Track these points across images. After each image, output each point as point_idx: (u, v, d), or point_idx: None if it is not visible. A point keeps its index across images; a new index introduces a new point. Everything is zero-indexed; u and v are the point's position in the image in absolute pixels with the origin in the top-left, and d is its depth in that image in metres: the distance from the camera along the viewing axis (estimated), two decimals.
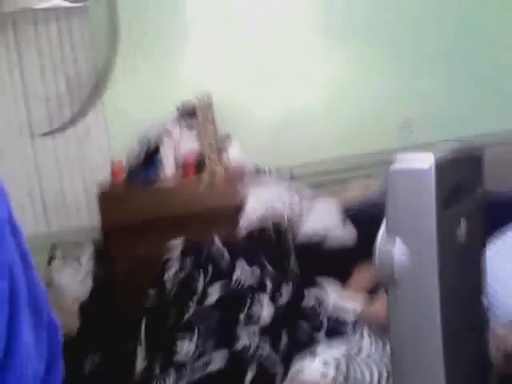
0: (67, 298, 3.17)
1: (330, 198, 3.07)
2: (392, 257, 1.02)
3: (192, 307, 2.17)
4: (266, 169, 3.31)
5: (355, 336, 1.89)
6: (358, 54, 3.56)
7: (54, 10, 3.42)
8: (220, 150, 3.34)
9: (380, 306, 1.53)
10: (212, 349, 2.02)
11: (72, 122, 3.52)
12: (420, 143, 3.16)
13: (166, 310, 2.29)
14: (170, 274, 2.40)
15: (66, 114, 3.52)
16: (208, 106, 3.32)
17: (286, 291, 2.32)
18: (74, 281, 3.25)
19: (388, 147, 3.23)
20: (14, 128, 3.54)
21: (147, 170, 3.31)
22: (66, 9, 3.42)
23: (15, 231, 0.58)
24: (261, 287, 2.28)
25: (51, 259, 3.41)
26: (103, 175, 3.44)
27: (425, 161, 0.89)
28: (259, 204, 2.83)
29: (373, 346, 1.64)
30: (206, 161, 3.28)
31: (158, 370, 2.09)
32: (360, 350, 1.64)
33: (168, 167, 3.26)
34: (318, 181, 3.40)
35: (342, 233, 2.74)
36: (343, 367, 1.54)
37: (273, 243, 2.70)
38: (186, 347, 2.04)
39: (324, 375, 1.53)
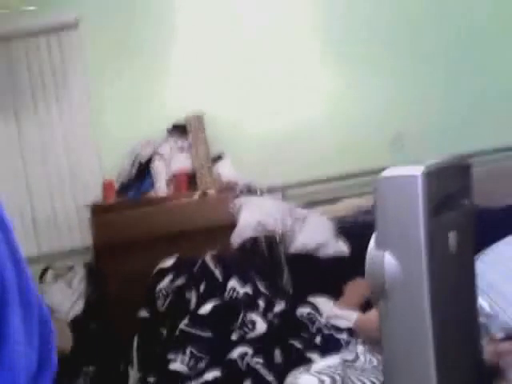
0: (59, 319, 3.14)
1: (322, 213, 3.08)
2: (383, 269, 1.02)
3: (183, 325, 2.15)
4: (258, 186, 3.31)
5: (350, 346, 1.88)
6: (353, 71, 3.58)
7: None
8: (212, 168, 3.34)
9: (371, 317, 1.53)
10: (205, 366, 2.00)
11: None
12: (412, 159, 3.16)
13: (158, 326, 2.28)
14: (162, 291, 2.38)
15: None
16: (199, 124, 3.33)
17: (279, 309, 2.31)
18: (66, 302, 3.22)
19: (381, 165, 3.23)
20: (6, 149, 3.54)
21: (138, 189, 3.31)
22: None
23: (4, 226, 0.59)
24: (253, 305, 2.27)
25: (42, 281, 3.38)
26: (94, 195, 3.43)
27: (413, 169, 0.90)
28: (251, 220, 2.83)
29: (368, 354, 1.64)
30: (198, 179, 3.28)
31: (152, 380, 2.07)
32: (356, 358, 1.63)
33: (159, 186, 3.26)
34: (310, 198, 3.40)
35: (334, 247, 2.74)
36: (338, 376, 1.53)
37: (265, 259, 2.70)
38: (179, 361, 2.02)
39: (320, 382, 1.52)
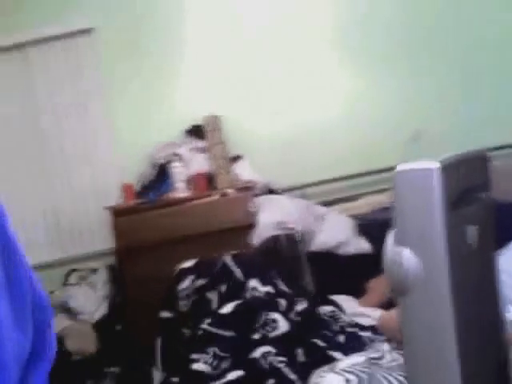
0: (83, 321, 3.18)
1: (341, 211, 3.06)
2: (402, 266, 1.00)
3: (206, 325, 2.15)
4: (278, 187, 3.31)
5: (375, 344, 1.86)
6: (371, 71, 3.56)
7: None
8: (230, 168, 3.35)
9: (394, 315, 1.51)
10: (228, 366, 2.00)
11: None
12: (429, 156, 3.12)
13: (181, 327, 2.28)
14: (183, 291, 2.39)
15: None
16: (216, 125, 3.34)
17: (300, 307, 2.30)
18: (90, 304, 3.25)
19: (400, 162, 3.20)
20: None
21: (158, 191, 3.33)
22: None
23: None
24: (274, 304, 2.26)
25: (66, 283, 3.43)
26: (115, 198, 3.47)
27: (429, 163, 0.88)
28: (271, 219, 2.83)
29: (393, 352, 1.61)
30: (216, 179, 3.29)
31: (176, 380, 2.08)
32: (381, 356, 1.61)
33: (179, 187, 3.28)
34: (329, 197, 3.39)
35: (355, 244, 2.72)
36: (364, 375, 1.51)
37: (286, 258, 2.69)
38: (202, 361, 2.02)
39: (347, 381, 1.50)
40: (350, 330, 2.22)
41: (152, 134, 3.51)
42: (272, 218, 2.84)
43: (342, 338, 2.16)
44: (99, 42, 3.53)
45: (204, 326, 2.14)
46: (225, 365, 2.01)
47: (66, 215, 3.61)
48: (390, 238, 1.01)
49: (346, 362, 1.68)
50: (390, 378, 1.51)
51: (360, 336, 2.15)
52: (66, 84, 3.57)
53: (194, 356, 2.05)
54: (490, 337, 1.05)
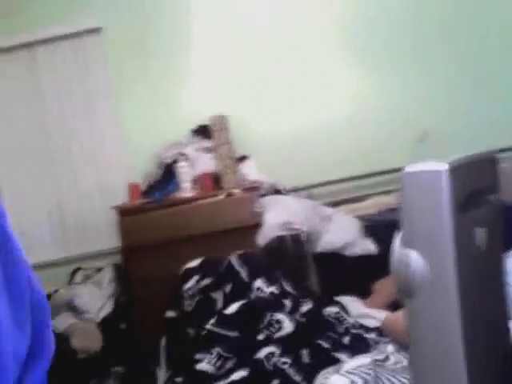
0: (88, 319, 3.18)
1: (348, 212, 3.05)
2: (409, 268, 1.00)
3: (210, 325, 2.15)
4: (284, 187, 3.30)
5: (379, 346, 1.85)
6: (378, 71, 3.55)
7: None
8: (236, 168, 3.35)
9: (399, 317, 1.50)
10: (232, 366, 1.99)
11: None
12: (438, 157, 3.11)
13: (185, 327, 2.28)
14: (188, 291, 2.39)
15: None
16: (223, 124, 3.34)
17: (306, 308, 2.29)
18: (95, 303, 3.26)
19: (407, 163, 3.19)
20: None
21: (164, 191, 3.33)
22: None
23: None
24: (279, 305, 2.26)
25: (72, 282, 3.43)
26: (121, 198, 3.48)
27: (438, 164, 0.88)
28: (277, 219, 2.82)
29: (397, 354, 1.61)
30: (223, 179, 3.29)
31: (180, 379, 2.08)
32: (386, 358, 1.60)
33: (185, 186, 3.28)
34: (335, 197, 3.38)
35: (361, 245, 2.71)
36: (369, 377, 1.51)
37: (291, 258, 2.68)
38: (206, 361, 2.02)
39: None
40: (354, 331, 2.22)
41: (158, 134, 3.52)
42: (278, 218, 2.84)
43: (346, 340, 2.16)
44: (107, 42, 3.55)
45: (208, 326, 2.14)
46: (229, 365, 2.01)
47: (72, 214, 3.62)
48: (397, 240, 1.00)
49: (350, 363, 1.68)
50: (395, 380, 1.51)
51: (365, 338, 2.15)
52: (73, 84, 3.58)
53: (198, 356, 2.05)
54: (497, 339, 1.05)
